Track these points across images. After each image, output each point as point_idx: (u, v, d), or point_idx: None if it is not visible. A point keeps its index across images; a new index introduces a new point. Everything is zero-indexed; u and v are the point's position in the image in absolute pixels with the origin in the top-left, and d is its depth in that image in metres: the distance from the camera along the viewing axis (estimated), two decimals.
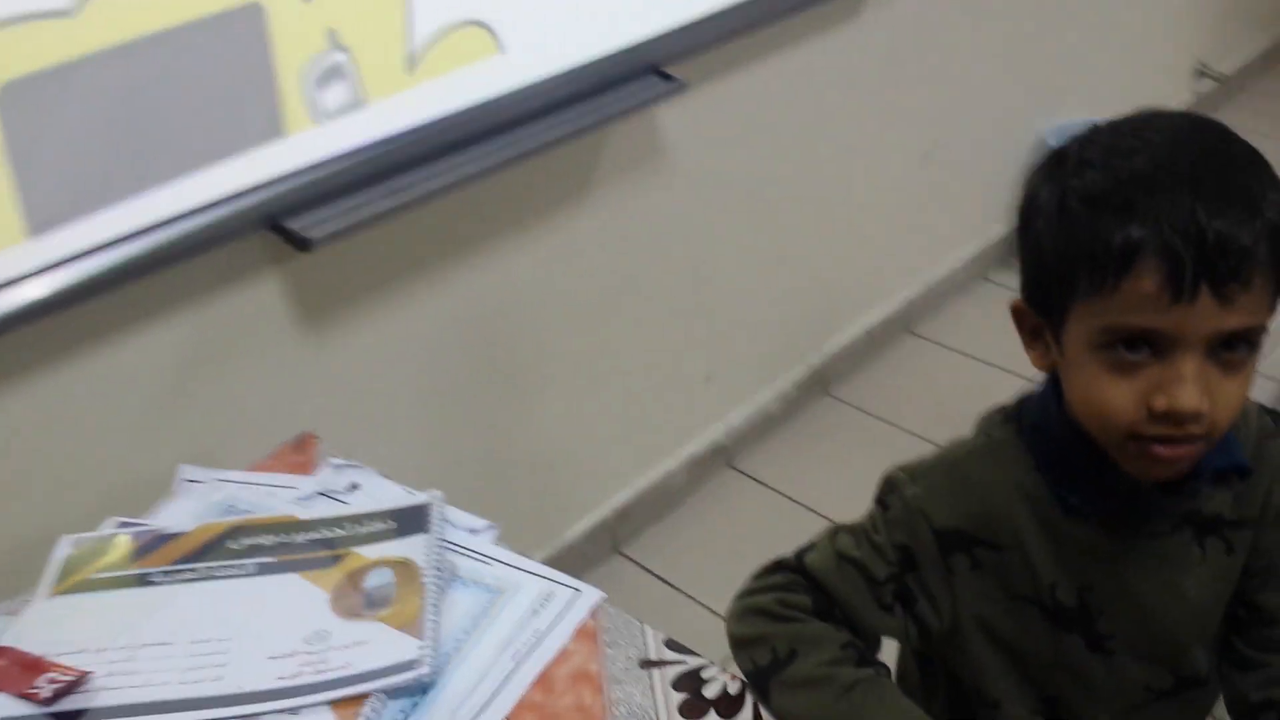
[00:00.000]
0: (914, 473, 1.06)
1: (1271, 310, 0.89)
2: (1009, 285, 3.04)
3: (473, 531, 1.17)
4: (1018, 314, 1.00)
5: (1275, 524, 1.05)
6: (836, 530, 1.09)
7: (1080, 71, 3.11)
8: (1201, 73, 3.75)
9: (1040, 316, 0.96)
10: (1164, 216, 0.84)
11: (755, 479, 2.44)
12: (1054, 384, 1.01)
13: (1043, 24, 2.85)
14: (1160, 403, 0.87)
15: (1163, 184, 0.85)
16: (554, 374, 2.02)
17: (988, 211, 3.01)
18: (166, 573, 1.13)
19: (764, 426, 2.50)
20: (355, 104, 1.52)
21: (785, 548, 1.11)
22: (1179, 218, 0.84)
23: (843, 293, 2.62)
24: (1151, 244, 0.84)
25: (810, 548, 1.09)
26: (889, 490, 1.06)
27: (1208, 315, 0.85)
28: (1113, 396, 0.89)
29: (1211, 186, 0.85)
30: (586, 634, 1.07)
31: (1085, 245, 0.88)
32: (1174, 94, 3.66)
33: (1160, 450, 0.90)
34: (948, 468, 1.06)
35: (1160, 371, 0.87)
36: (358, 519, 1.17)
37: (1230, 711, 1.11)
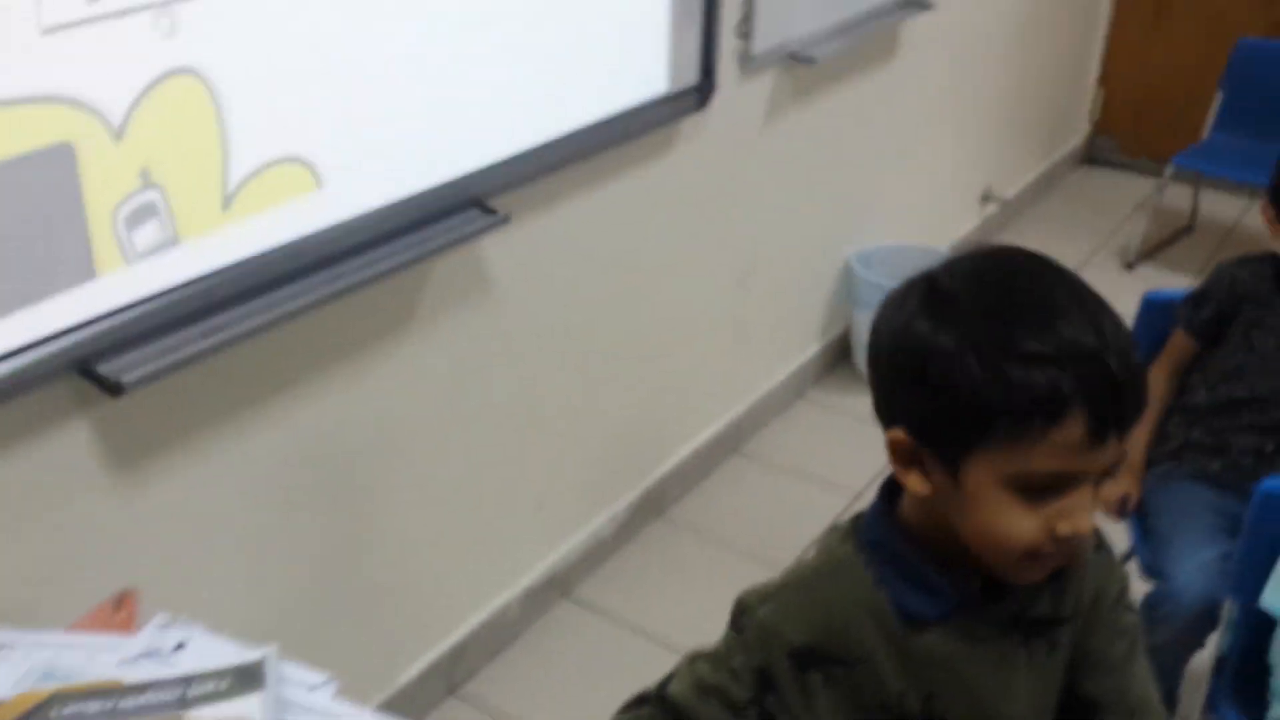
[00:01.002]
0: (764, 594, 1.08)
1: None
2: (824, 403, 3.15)
3: (311, 688, 1.12)
4: (897, 445, 1.01)
5: (1090, 619, 1.11)
6: (695, 657, 1.09)
7: (882, 199, 3.30)
8: (987, 198, 4.03)
9: (931, 450, 0.98)
10: (1084, 369, 0.90)
11: (592, 608, 2.42)
12: (886, 498, 1.05)
13: (847, 156, 3.02)
14: (1065, 529, 0.94)
15: (1070, 335, 0.91)
16: (384, 509, 1.97)
17: (803, 331, 3.13)
18: None
19: (599, 553, 2.49)
20: (168, 243, 1.48)
21: (625, 679, 1.10)
22: (1096, 370, 0.91)
23: (671, 415, 2.66)
24: (1079, 396, 0.90)
25: (671, 677, 1.09)
26: (741, 613, 1.07)
27: (1111, 452, 0.93)
28: (1019, 525, 0.95)
29: (1110, 333, 0.93)
30: None
31: (1005, 396, 0.91)
32: (965, 218, 3.92)
33: (1051, 564, 0.98)
34: (796, 587, 1.08)
35: (1061, 503, 0.94)
36: (188, 680, 1.10)
37: None
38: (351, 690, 1.13)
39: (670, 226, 2.44)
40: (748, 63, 2.45)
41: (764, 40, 2.47)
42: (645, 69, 2.17)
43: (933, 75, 3.38)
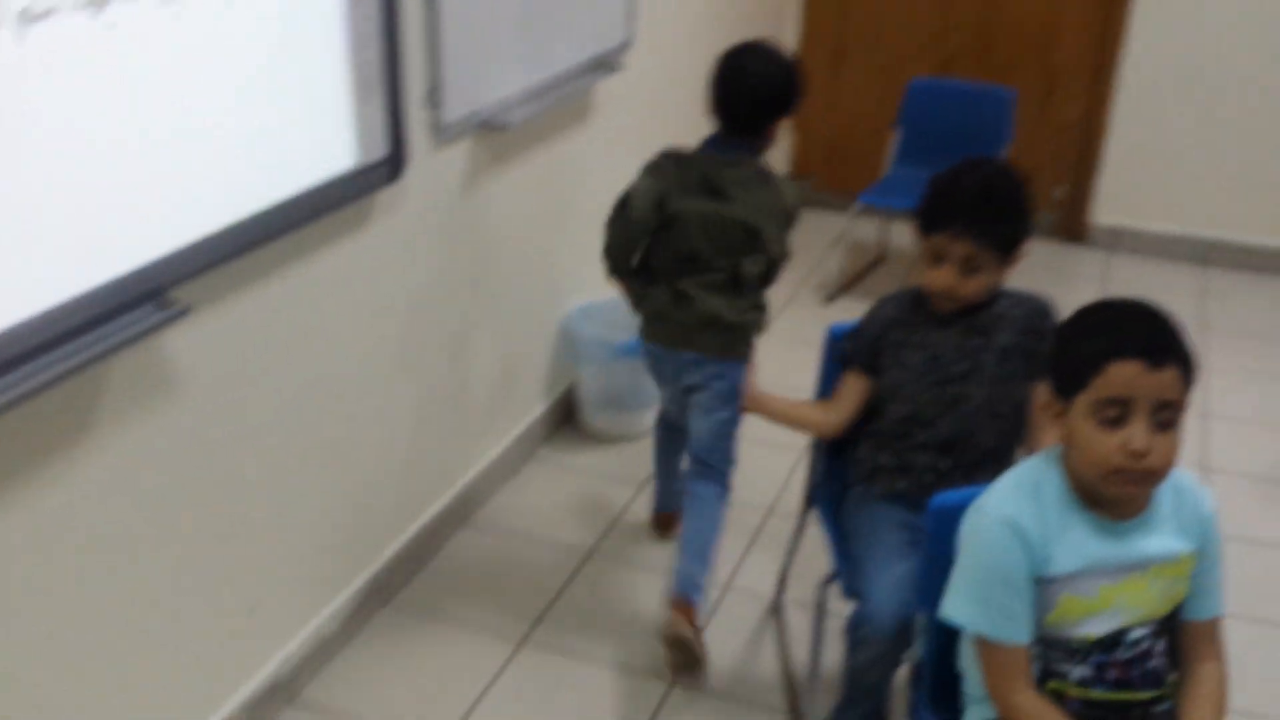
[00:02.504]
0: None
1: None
2: (554, 461, 3.14)
3: None
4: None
5: None
6: None
7: (594, 256, 3.33)
8: None
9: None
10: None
11: (322, 711, 2.29)
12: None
13: (552, 216, 3.04)
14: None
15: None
16: (76, 637, 1.80)
17: (527, 392, 3.12)
18: None
19: (325, 650, 2.38)
20: None
21: None
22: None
23: (392, 496, 2.58)
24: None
25: None
26: None
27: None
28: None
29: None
30: None
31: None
32: None
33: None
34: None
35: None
36: None
37: None
38: None
39: (373, 301, 2.37)
40: (440, 132, 2.43)
41: (455, 109, 2.45)
42: (331, 144, 2.11)
43: (629, 132, 3.46)
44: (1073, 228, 4.79)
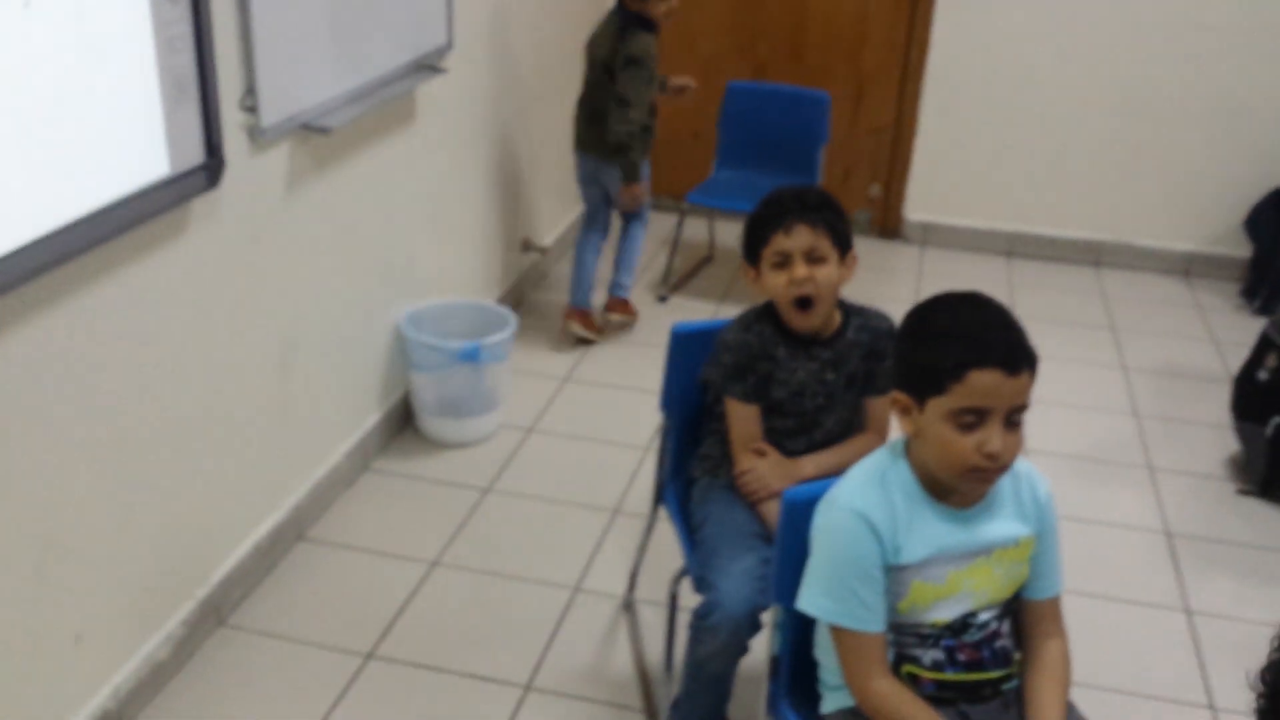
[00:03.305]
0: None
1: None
2: (392, 471, 3.07)
3: None
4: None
5: None
6: None
7: (424, 259, 3.29)
8: (528, 247, 4.15)
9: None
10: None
11: None
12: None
13: (380, 220, 2.98)
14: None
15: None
16: None
17: (361, 401, 3.04)
18: None
19: (158, 677, 2.26)
20: None
21: None
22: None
23: (222, 514, 2.47)
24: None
25: None
26: None
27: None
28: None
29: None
30: None
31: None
32: (508, 268, 4.00)
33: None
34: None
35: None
36: None
37: None
38: None
39: (194, 312, 2.27)
40: (258, 135, 2.34)
41: (273, 112, 2.37)
42: (144, 152, 2.01)
43: (456, 134, 3.42)
44: (888, 224, 4.97)
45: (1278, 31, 4.35)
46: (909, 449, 1.64)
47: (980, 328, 1.55)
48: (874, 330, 2.14)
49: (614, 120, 3.57)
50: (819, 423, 2.14)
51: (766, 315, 2.13)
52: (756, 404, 2.13)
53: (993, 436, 1.52)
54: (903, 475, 1.62)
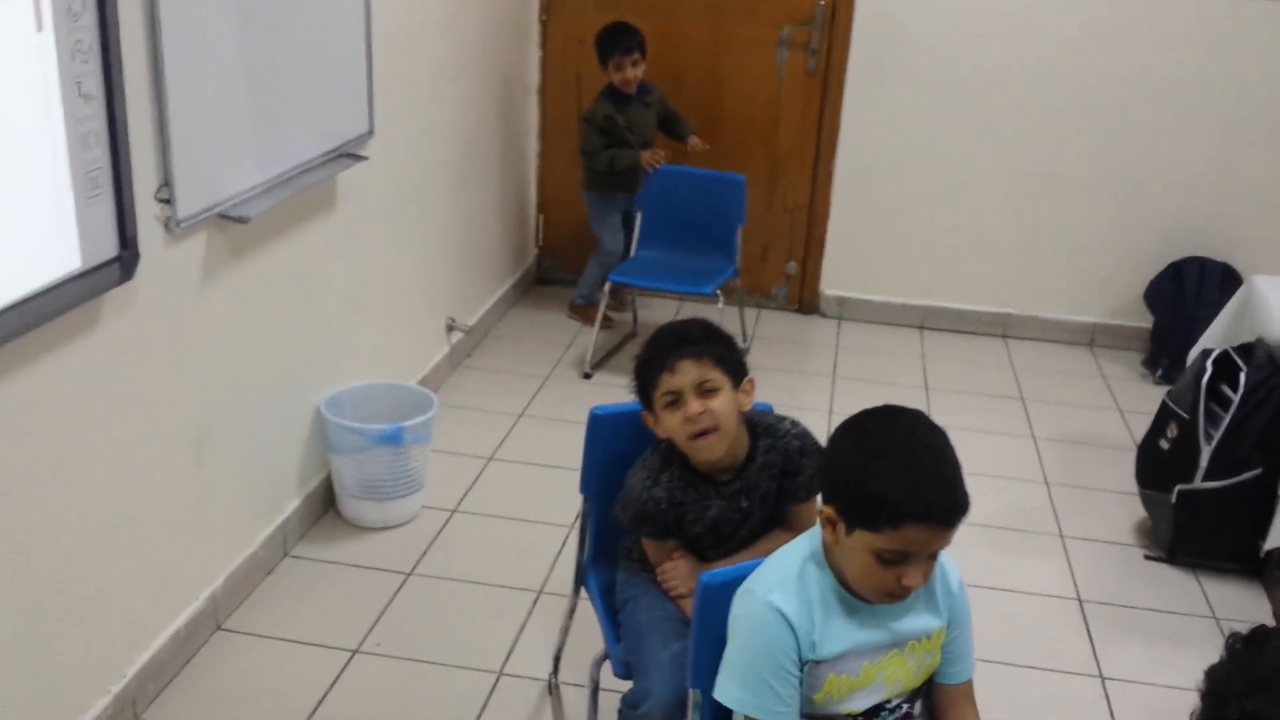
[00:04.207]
0: None
1: None
2: (312, 555, 3.04)
3: None
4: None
5: None
6: None
7: (347, 343, 3.29)
8: (451, 328, 4.16)
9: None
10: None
11: None
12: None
13: (300, 307, 2.98)
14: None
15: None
16: None
17: (279, 487, 3.01)
18: None
19: None
20: None
21: None
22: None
23: (134, 610, 2.42)
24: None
25: None
26: None
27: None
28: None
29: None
30: None
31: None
32: (432, 349, 4.01)
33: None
34: None
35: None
36: None
37: None
38: None
39: (107, 405, 2.25)
40: (174, 227, 2.35)
41: (189, 203, 2.38)
42: (53, 247, 2.00)
43: (378, 219, 3.44)
44: (805, 300, 5.08)
45: (1170, 113, 4.56)
46: (827, 550, 1.66)
47: (923, 482, 1.53)
48: (784, 450, 2.11)
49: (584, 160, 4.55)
50: (739, 544, 2.13)
51: (671, 459, 2.09)
52: (670, 540, 2.12)
53: (914, 573, 1.56)
54: (818, 575, 1.65)
